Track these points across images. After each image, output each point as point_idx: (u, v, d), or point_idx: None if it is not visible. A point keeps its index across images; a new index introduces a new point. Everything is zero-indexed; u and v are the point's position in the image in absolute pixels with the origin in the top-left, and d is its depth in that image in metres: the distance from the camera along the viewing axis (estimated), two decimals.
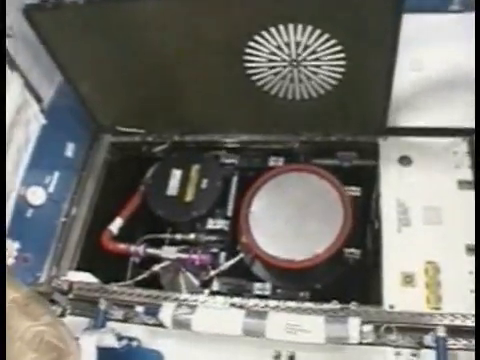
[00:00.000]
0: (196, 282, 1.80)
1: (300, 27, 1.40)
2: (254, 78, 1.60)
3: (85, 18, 1.48)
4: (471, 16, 1.70)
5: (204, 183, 1.85)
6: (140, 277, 1.78)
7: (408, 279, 1.48)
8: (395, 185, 1.67)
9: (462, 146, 1.74)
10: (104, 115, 1.91)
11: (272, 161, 1.88)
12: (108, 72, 1.69)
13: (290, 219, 1.69)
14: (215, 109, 1.78)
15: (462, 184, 1.64)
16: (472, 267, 1.45)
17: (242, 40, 1.47)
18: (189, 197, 1.83)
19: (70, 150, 1.89)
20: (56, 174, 1.79)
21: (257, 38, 1.46)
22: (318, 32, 1.40)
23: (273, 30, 1.42)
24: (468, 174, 1.66)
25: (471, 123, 1.66)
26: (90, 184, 1.95)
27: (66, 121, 1.87)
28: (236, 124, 1.84)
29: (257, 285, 1.73)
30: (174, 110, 1.80)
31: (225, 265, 1.75)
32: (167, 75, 1.65)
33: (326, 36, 1.41)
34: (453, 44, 1.84)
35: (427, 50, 1.86)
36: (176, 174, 1.88)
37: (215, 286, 1.75)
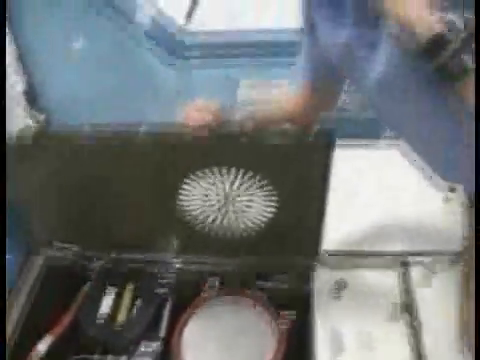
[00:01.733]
0: None
1: (233, 169, 1.48)
2: (188, 209, 1.65)
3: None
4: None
5: (138, 303, 1.81)
6: None
7: None
8: (329, 310, 1.71)
9: (396, 270, 1.80)
10: (39, 229, 1.90)
11: (207, 284, 1.86)
12: (43, 190, 1.71)
13: (222, 345, 1.68)
14: (150, 231, 1.80)
15: (395, 308, 1.68)
16: None
17: (176, 180, 1.55)
18: (122, 317, 1.79)
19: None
20: None
21: (192, 176, 1.53)
22: (250, 174, 1.48)
23: (207, 171, 1.49)
24: (401, 298, 1.71)
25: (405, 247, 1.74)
26: (21, 299, 1.88)
27: None
28: (172, 246, 1.85)
29: None
30: (111, 228, 1.81)
31: None
32: (103, 196, 1.68)
33: (258, 177, 1.48)
34: (388, 173, 1.97)
35: (362, 179, 1.97)
36: (110, 292, 1.85)
37: None
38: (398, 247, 1.85)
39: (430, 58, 0.79)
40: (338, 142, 1.37)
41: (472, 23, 0.78)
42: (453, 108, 0.89)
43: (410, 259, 1.82)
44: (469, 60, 0.77)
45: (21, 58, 2.15)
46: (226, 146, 1.42)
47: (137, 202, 1.67)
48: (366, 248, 1.87)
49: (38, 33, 2.11)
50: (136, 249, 1.91)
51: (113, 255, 1.93)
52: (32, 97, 2.27)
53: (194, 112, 1.32)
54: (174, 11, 2.21)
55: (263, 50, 2.13)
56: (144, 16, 2.10)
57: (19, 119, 2.25)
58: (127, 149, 1.51)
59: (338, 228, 1.86)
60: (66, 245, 1.91)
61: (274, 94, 2.13)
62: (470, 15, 0.78)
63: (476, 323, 0.98)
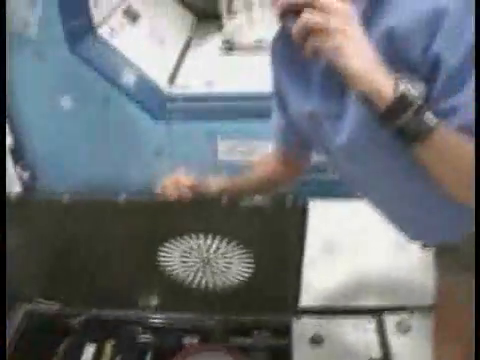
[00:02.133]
0: None
1: (210, 235, 1.55)
2: (168, 269, 1.70)
3: None
4: None
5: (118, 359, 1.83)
6: None
7: None
8: None
9: (372, 324, 1.84)
10: (20, 284, 1.89)
11: (187, 340, 1.89)
12: (26, 248, 1.72)
13: None
14: (130, 289, 1.83)
15: None
16: None
17: (155, 243, 1.61)
18: None
19: None
20: None
21: (171, 241, 1.60)
22: (228, 238, 1.55)
23: (186, 236, 1.57)
24: (377, 352, 1.75)
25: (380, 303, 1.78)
26: None
27: None
28: (151, 303, 1.87)
29: None
30: (92, 284, 1.83)
31: None
32: (85, 256, 1.72)
33: (236, 241, 1.55)
34: (363, 226, 2.03)
35: (337, 233, 2.03)
36: (89, 349, 1.86)
37: None
38: (374, 301, 1.90)
39: (392, 120, 0.82)
40: (314, 197, 1.44)
41: (423, 89, 0.84)
42: (415, 169, 0.92)
43: (386, 313, 1.87)
44: (429, 120, 0.81)
45: (9, 115, 2.20)
46: (204, 212, 1.47)
47: (118, 261, 1.71)
48: (342, 303, 1.91)
49: (26, 90, 2.17)
50: (116, 306, 1.93)
51: (94, 311, 1.95)
52: (18, 154, 2.31)
53: (171, 186, 1.34)
54: (158, 74, 2.32)
55: (241, 113, 2.22)
56: (129, 78, 2.18)
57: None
58: (109, 212, 1.56)
59: (315, 284, 1.91)
60: (47, 302, 1.92)
61: (252, 155, 2.20)
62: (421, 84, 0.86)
63: (476, 323, 0.95)
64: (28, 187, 2.35)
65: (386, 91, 0.80)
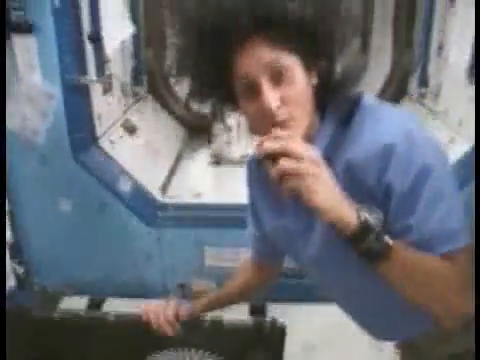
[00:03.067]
0: None
1: (193, 349, 1.67)
2: None
3: None
4: None
5: None
6: None
7: None
8: None
9: None
10: None
11: None
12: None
13: None
14: None
15: None
16: None
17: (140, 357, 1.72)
18: None
19: None
20: None
21: (155, 355, 1.70)
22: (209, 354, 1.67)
23: (171, 350, 1.68)
24: None
25: None
26: None
27: None
28: None
29: None
30: None
31: None
32: None
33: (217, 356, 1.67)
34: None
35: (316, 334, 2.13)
36: None
37: None
38: None
39: (356, 244, 0.93)
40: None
41: (381, 214, 0.96)
42: (377, 280, 1.00)
43: None
44: (388, 241, 0.92)
45: (10, 212, 2.34)
46: (188, 329, 1.51)
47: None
48: None
49: (29, 191, 2.33)
50: None
51: None
52: (16, 250, 2.42)
53: (154, 313, 1.38)
54: (151, 184, 2.50)
55: (227, 222, 2.34)
56: (125, 186, 2.36)
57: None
58: (97, 327, 1.67)
59: None
60: None
61: (238, 261, 2.31)
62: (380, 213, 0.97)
63: (476, 323, 0.97)
64: (22, 282, 2.44)
65: (350, 221, 0.91)
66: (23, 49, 2.05)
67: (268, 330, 1.58)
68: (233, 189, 2.44)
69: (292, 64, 0.97)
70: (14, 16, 1.97)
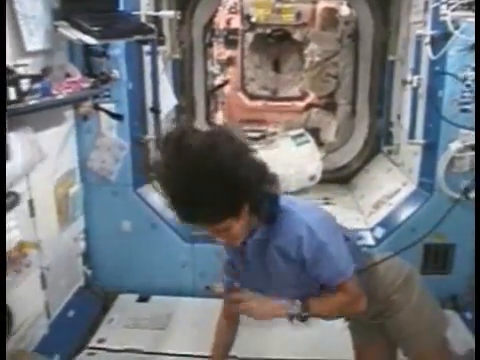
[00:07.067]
0: None
1: None
2: None
3: None
4: None
5: None
6: None
7: None
8: None
9: None
10: None
11: None
12: None
13: None
14: None
15: None
16: None
17: None
18: None
19: None
20: None
21: None
22: None
23: None
24: None
25: None
26: None
27: None
28: None
29: None
30: None
31: None
32: None
33: None
34: None
35: None
36: None
37: None
38: None
39: (289, 319, 1.65)
40: None
41: (302, 303, 1.65)
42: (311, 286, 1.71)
43: None
44: (306, 312, 1.65)
45: (85, 229, 3.20)
46: None
47: None
48: None
49: (101, 214, 3.20)
50: None
51: None
52: (87, 258, 3.27)
53: None
54: None
55: None
56: (169, 212, 3.14)
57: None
58: None
59: None
60: None
61: None
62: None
63: (476, 323, 1.11)
64: (89, 283, 3.29)
65: (281, 315, 1.65)
66: (105, 116, 3.01)
67: None
68: None
69: (226, 224, 1.53)
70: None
